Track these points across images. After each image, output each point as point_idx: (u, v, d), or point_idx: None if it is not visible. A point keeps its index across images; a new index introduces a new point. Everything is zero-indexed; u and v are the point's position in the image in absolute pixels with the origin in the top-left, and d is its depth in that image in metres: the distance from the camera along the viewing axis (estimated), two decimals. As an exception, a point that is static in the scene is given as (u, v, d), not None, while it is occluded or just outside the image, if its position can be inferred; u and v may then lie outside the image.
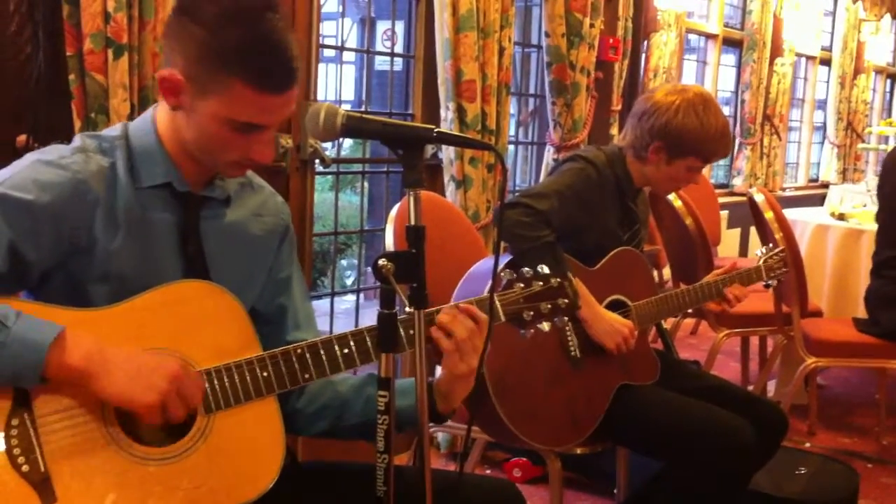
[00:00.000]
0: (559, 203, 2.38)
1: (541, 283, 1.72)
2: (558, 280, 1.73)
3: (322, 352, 1.56)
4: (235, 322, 1.56)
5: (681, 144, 2.49)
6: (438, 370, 1.70)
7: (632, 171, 2.58)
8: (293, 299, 1.76)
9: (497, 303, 1.70)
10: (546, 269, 1.74)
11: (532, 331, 1.74)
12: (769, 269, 2.79)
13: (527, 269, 1.73)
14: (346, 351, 1.57)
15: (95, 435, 1.42)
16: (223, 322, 1.55)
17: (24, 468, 1.36)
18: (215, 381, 1.50)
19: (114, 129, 1.61)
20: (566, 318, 1.76)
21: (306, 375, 1.55)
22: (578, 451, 2.51)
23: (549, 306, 1.72)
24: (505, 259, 2.32)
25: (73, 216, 1.48)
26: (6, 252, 1.42)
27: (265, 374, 1.53)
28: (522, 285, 1.72)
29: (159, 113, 1.59)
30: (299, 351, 1.55)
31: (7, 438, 1.37)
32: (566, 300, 1.73)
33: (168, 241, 1.58)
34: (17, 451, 1.37)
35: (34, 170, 1.47)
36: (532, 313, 1.71)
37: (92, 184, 1.50)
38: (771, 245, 2.92)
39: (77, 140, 1.56)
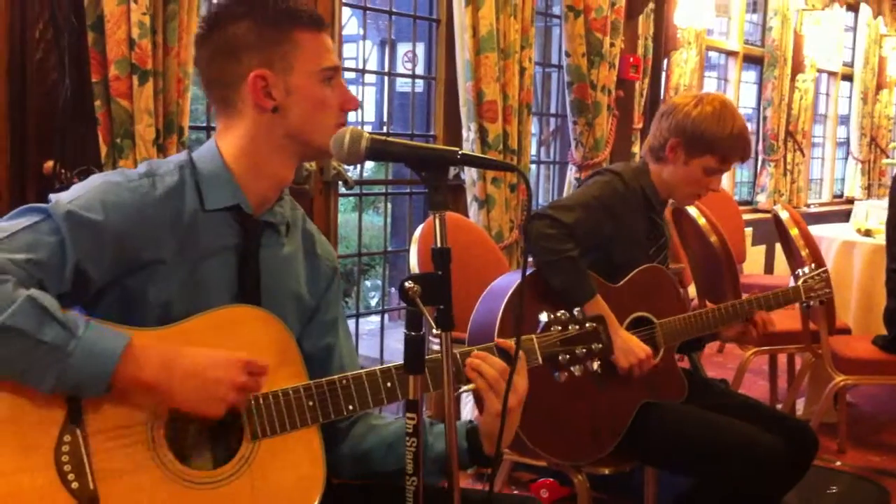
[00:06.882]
0: (585, 214, 2.38)
1: (577, 326, 1.77)
2: (594, 325, 1.78)
3: (366, 384, 1.58)
4: (285, 350, 1.58)
5: (697, 141, 2.48)
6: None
7: (655, 182, 2.58)
8: (339, 339, 1.78)
9: (535, 344, 1.75)
10: (578, 312, 1.78)
11: (566, 374, 1.78)
12: (809, 289, 2.74)
13: (563, 311, 1.77)
14: (388, 385, 1.59)
15: (144, 455, 1.44)
16: (273, 349, 1.56)
17: (74, 485, 1.38)
18: (262, 408, 1.52)
19: (179, 155, 1.63)
20: (597, 363, 1.79)
21: (350, 406, 1.57)
22: (606, 470, 2.48)
23: (584, 350, 1.77)
24: (529, 272, 2.32)
25: (138, 238, 1.49)
26: (72, 272, 1.44)
27: (311, 403, 1.55)
28: (560, 328, 1.77)
29: (221, 141, 1.61)
30: (344, 382, 1.57)
31: (58, 454, 1.38)
32: (600, 345, 1.78)
33: (223, 267, 1.59)
34: (67, 467, 1.38)
35: (103, 190, 1.49)
36: (567, 356, 1.76)
37: (159, 208, 1.52)
38: (813, 266, 2.83)
39: (144, 165, 1.58)
